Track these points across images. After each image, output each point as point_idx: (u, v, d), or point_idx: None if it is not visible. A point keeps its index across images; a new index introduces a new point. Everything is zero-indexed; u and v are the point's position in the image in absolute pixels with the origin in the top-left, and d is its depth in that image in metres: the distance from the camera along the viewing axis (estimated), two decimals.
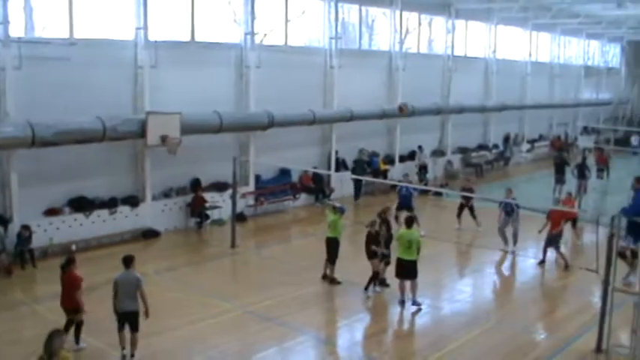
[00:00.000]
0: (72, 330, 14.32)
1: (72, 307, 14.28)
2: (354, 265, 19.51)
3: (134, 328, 14.11)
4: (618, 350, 15.05)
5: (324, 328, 16.71)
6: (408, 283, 17.64)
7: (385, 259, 18.76)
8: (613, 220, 14.76)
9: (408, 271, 17.44)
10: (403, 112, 32.57)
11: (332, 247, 19.39)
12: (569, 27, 48.43)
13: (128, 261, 14.32)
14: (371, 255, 18.51)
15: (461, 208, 26.28)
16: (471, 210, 26.10)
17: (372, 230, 18.58)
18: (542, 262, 21.85)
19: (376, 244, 18.45)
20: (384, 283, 18.94)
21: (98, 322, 15.77)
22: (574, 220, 23.89)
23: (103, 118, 21.17)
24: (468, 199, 25.88)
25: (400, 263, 17.51)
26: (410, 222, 17.88)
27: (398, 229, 19.20)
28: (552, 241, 21.47)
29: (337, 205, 20.56)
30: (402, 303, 17.60)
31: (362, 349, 15.65)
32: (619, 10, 40.73)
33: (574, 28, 48.80)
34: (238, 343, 15.10)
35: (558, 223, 21.37)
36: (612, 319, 14.90)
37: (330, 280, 19.41)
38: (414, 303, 17.55)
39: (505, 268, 22.39)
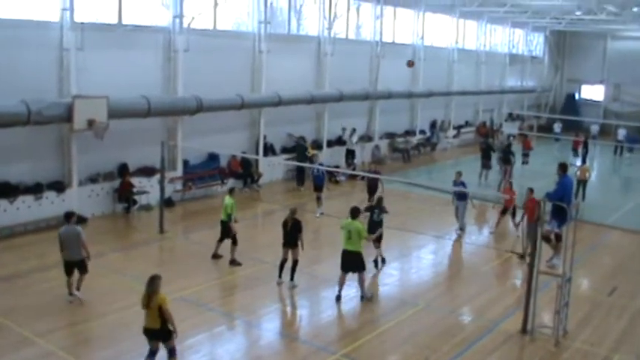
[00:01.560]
0: None
1: None
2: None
3: (82, 272, 16.37)
4: (542, 330, 15.53)
5: (254, 313, 16.66)
6: (349, 276, 17.39)
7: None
8: (538, 205, 15.12)
9: (349, 262, 17.19)
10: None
11: (228, 229, 19.75)
12: (495, 15, 49.14)
13: (69, 216, 16.49)
14: (296, 243, 18.25)
15: (369, 191, 26.58)
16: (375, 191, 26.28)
17: (296, 218, 18.31)
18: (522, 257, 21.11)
19: (299, 231, 18.16)
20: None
21: (25, 309, 15.57)
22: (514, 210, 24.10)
23: (28, 101, 20.70)
24: (374, 181, 26.17)
25: (343, 254, 17.29)
26: (354, 213, 17.38)
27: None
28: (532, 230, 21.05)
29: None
30: (339, 298, 17.33)
31: (292, 333, 15.73)
32: (544, 0, 41.73)
33: (500, 16, 49.53)
34: None
35: (533, 212, 21.01)
36: (537, 301, 15.32)
37: (230, 261, 19.76)
38: (362, 298, 17.41)
39: (431, 252, 22.71)
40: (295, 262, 18.15)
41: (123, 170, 25.27)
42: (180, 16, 26.36)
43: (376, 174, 26.06)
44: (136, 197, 25.20)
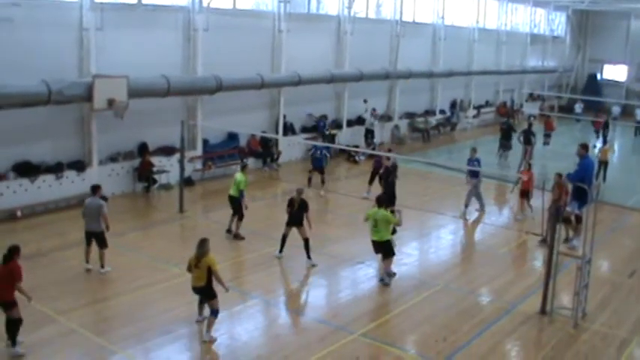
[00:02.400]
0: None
1: (9, 299, 12.76)
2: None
3: (101, 246, 16.89)
4: (561, 312, 15.50)
5: (273, 292, 16.76)
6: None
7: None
8: (560, 189, 15.07)
9: (380, 251, 17.25)
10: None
11: (239, 205, 20.27)
12: None
13: (95, 189, 17.17)
14: (301, 222, 18.35)
15: (373, 174, 25.55)
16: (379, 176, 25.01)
17: (303, 198, 18.55)
18: (566, 240, 20.37)
19: (306, 211, 18.36)
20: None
21: (47, 287, 15.69)
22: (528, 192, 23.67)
23: (49, 81, 20.80)
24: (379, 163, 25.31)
25: (372, 244, 17.27)
26: (380, 201, 17.32)
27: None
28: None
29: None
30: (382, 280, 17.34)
31: (311, 312, 15.77)
32: None
33: None
34: (187, 307, 15.05)
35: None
36: (556, 282, 15.28)
37: (234, 235, 20.34)
38: (381, 280, 17.30)
39: (451, 233, 22.66)
40: (307, 241, 18.30)
41: (143, 149, 25.37)
42: None
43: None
44: (156, 176, 25.32)
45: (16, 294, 12.82)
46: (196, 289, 13.97)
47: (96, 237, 16.89)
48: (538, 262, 19.22)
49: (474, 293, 17.00)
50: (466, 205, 23.92)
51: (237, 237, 20.18)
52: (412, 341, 14.48)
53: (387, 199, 18.05)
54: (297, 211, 18.27)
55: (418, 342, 14.37)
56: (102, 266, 16.92)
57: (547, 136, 38.03)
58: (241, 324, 14.75)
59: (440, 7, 42.61)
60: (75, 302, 15.18)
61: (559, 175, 20.94)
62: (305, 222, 18.30)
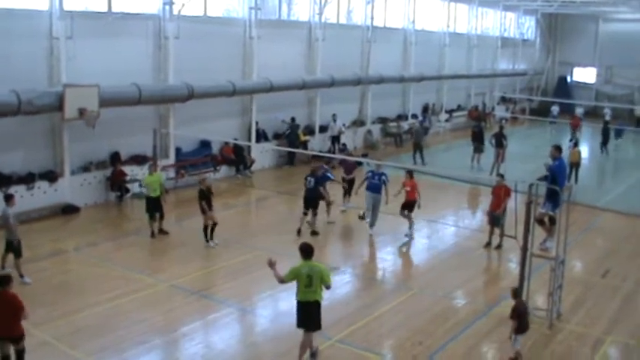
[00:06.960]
0: None
1: (16, 334, 11.81)
2: (280, 237, 19.57)
3: (14, 255, 16.88)
4: (536, 313, 15.55)
5: (249, 300, 16.65)
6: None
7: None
8: (531, 188, 15.13)
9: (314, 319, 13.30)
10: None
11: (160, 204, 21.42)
12: None
13: (7, 197, 17.57)
14: (201, 211, 20.12)
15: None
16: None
17: (202, 187, 20.21)
18: (488, 244, 21.10)
19: (206, 200, 20.00)
20: None
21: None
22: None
23: (18, 91, 20.62)
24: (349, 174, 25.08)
25: (306, 306, 13.27)
26: (308, 251, 13.32)
27: None
28: (496, 220, 20.76)
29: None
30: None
31: (287, 319, 15.69)
32: None
33: None
34: (163, 317, 15.00)
35: (501, 200, 20.54)
36: (530, 284, 15.36)
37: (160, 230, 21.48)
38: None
39: (425, 237, 22.67)
40: (204, 227, 20.21)
41: (115, 159, 25.23)
42: (170, 2, 26.23)
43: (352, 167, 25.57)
44: (129, 185, 25.15)
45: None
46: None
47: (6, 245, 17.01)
48: (512, 264, 19.32)
49: (449, 296, 17.04)
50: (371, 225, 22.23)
51: (163, 232, 21.36)
52: (388, 346, 14.49)
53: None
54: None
55: (394, 346, 14.38)
56: (20, 275, 16.56)
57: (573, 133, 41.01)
58: (217, 333, 14.68)
59: (410, 11, 42.83)
60: (48, 314, 15.02)
61: (501, 176, 21.69)
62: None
